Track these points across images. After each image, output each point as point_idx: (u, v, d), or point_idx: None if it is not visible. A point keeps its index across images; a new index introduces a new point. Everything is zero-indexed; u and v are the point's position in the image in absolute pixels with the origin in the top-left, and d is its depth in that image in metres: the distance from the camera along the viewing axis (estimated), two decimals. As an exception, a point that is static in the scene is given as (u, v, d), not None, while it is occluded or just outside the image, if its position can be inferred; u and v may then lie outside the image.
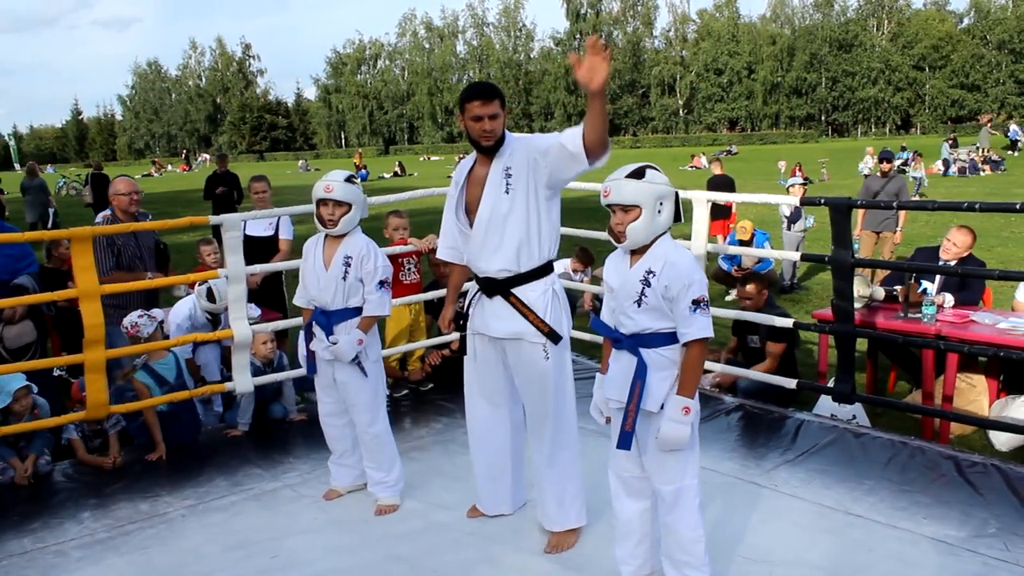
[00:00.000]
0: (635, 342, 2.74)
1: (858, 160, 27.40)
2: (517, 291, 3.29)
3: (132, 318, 4.72)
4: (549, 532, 3.48)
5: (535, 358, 3.30)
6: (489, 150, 3.28)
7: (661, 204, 2.69)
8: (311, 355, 3.85)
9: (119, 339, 4.78)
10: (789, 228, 9.85)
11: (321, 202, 3.67)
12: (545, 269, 3.33)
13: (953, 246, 5.49)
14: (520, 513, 3.74)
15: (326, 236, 3.79)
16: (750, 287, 5.58)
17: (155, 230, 5.40)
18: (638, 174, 2.72)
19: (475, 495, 3.78)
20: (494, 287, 3.32)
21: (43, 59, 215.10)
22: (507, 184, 3.23)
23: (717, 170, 12.87)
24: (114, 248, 5.11)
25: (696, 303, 2.63)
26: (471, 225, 3.35)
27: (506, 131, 3.32)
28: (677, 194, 2.77)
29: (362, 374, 3.76)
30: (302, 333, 3.94)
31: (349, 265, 3.70)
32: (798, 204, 5.11)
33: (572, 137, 3.08)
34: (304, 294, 3.87)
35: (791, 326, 5.13)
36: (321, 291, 3.73)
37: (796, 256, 6.04)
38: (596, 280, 6.89)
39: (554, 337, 3.28)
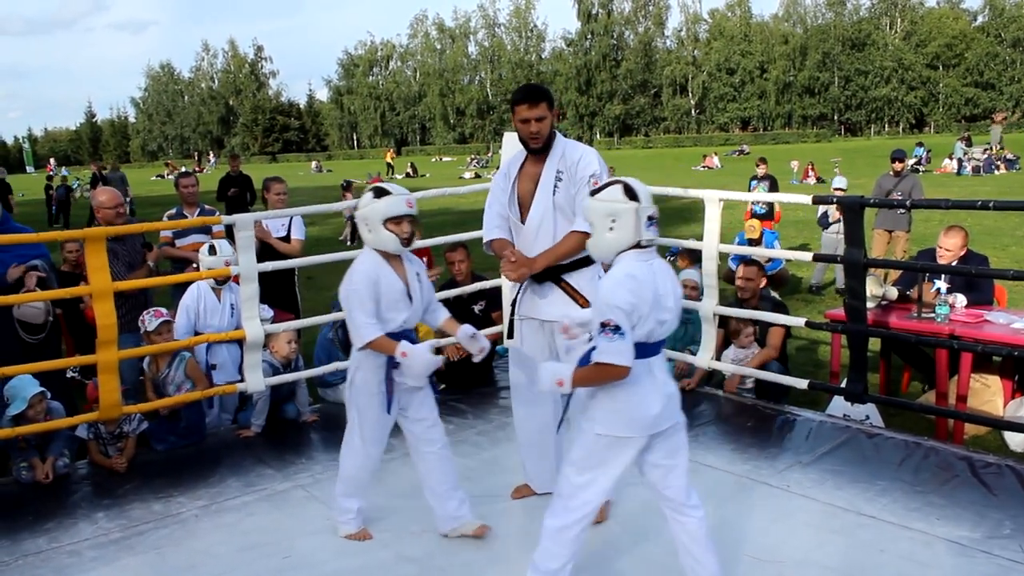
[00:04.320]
0: (584, 357, 2.71)
1: (874, 162, 27.21)
2: (567, 277, 3.41)
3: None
4: None
5: (580, 341, 3.34)
6: (538, 151, 3.44)
7: (613, 222, 2.61)
8: (391, 389, 3.37)
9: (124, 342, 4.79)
10: (826, 228, 9.69)
11: (398, 219, 3.25)
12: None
13: (947, 251, 5.36)
14: (530, 514, 3.72)
15: (387, 257, 3.33)
16: (752, 268, 5.56)
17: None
18: (597, 191, 2.69)
19: (524, 474, 3.90)
20: (545, 274, 3.42)
21: (57, 62, 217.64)
22: (556, 187, 3.38)
23: (761, 170, 12.84)
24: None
25: (603, 326, 2.53)
26: (523, 220, 3.49)
27: (557, 132, 3.46)
28: (638, 210, 2.60)
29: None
30: (364, 368, 3.39)
31: (421, 282, 3.43)
32: (810, 203, 5.08)
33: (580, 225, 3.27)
34: (379, 326, 3.27)
35: (787, 320, 5.10)
36: (413, 314, 3.38)
37: (807, 256, 6.00)
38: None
39: None
